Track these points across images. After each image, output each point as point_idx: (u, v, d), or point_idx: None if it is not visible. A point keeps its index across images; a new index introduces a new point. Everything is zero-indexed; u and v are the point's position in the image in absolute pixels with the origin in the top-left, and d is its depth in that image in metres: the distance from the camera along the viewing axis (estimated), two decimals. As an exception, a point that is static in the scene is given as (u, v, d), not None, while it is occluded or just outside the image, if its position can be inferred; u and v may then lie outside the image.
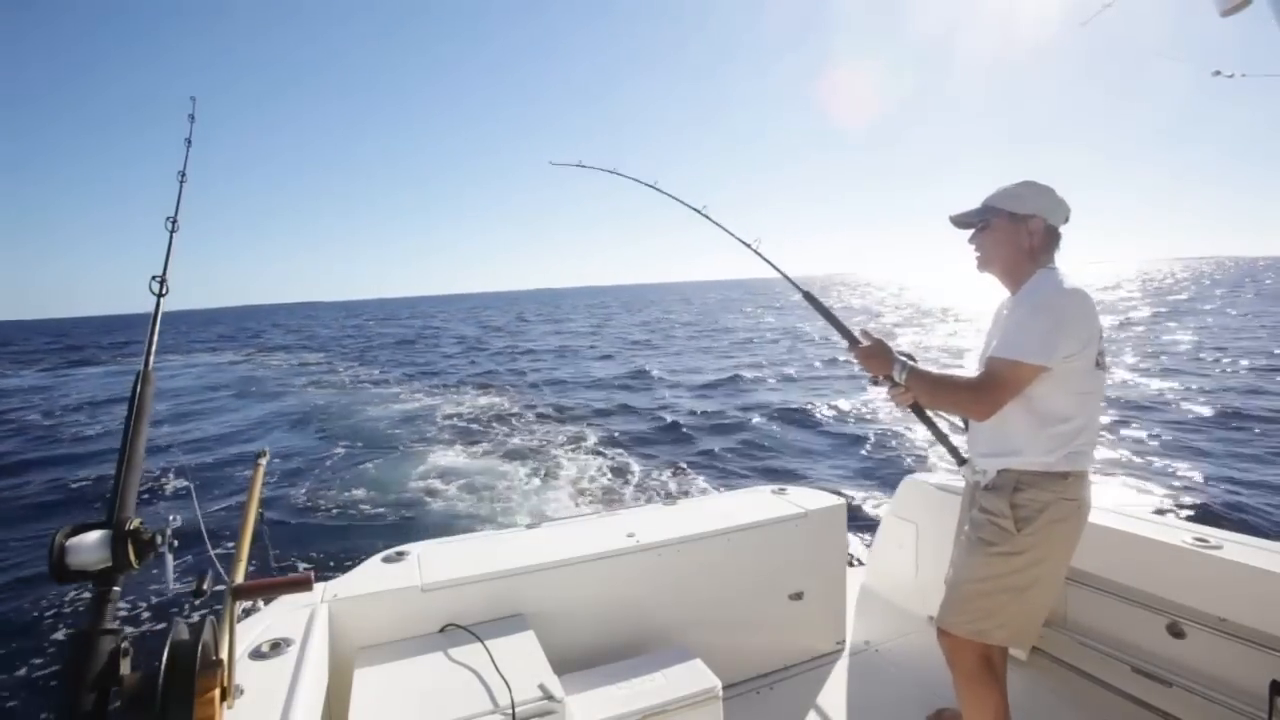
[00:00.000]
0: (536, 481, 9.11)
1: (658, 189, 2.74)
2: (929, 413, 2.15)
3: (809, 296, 2.33)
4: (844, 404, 13.92)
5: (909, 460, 9.87)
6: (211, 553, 1.43)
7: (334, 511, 7.90)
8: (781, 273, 2.46)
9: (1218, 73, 2.45)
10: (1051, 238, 1.92)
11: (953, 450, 2.16)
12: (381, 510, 7.97)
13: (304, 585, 1.41)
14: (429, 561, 2.22)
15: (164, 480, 8.97)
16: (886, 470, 9.38)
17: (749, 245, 2.45)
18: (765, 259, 2.44)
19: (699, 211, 2.61)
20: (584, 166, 2.98)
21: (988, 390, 1.82)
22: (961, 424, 2.17)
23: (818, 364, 20.47)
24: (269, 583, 1.43)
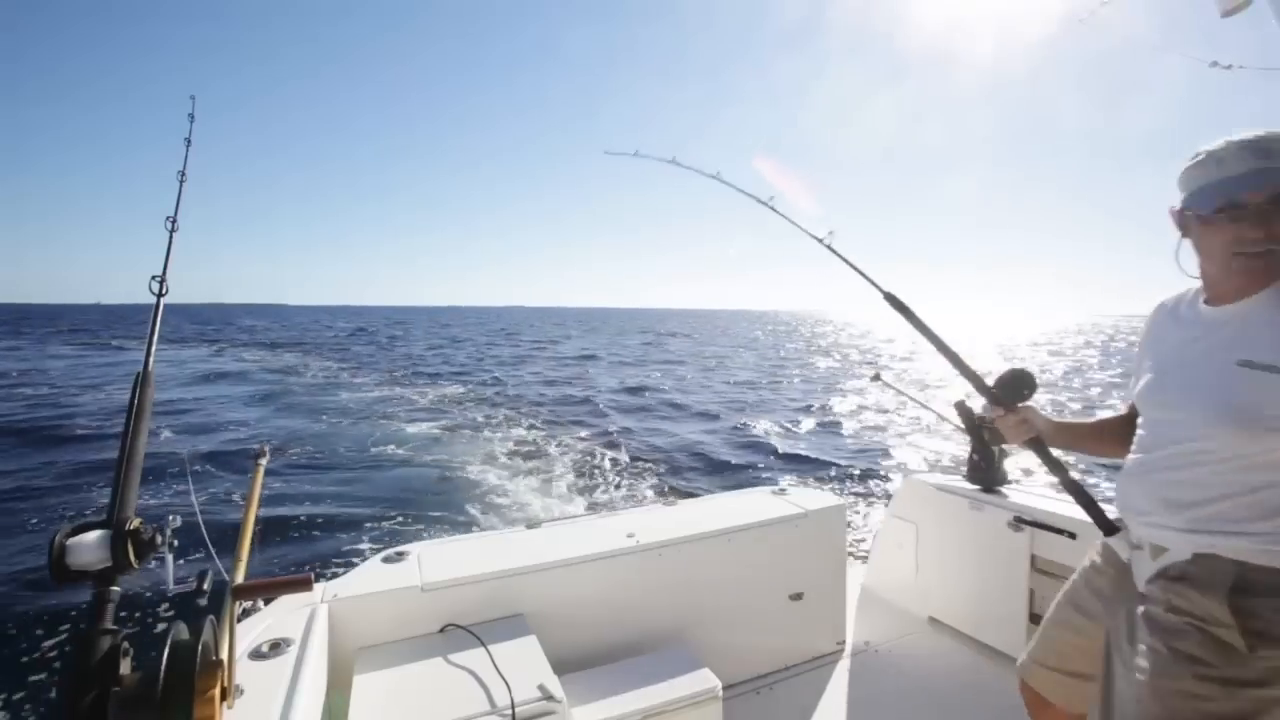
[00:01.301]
0: (535, 481, 9.11)
1: (720, 180, 2.53)
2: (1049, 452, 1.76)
3: (891, 298, 2.00)
4: (843, 405, 13.92)
5: (908, 460, 9.87)
6: (213, 552, 1.43)
7: (334, 511, 7.89)
8: (861, 273, 2.10)
9: (1215, 63, 2.46)
10: None
11: (1090, 506, 1.63)
12: (381, 510, 7.97)
13: (304, 585, 1.41)
14: (429, 561, 2.22)
15: (163, 479, 8.97)
16: (886, 470, 9.38)
17: (820, 240, 2.16)
18: (841, 256, 2.13)
19: (765, 204, 2.38)
20: (640, 156, 2.80)
21: None
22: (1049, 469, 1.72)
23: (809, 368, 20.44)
24: (269, 583, 1.43)
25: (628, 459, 10.30)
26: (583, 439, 11.73)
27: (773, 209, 2.34)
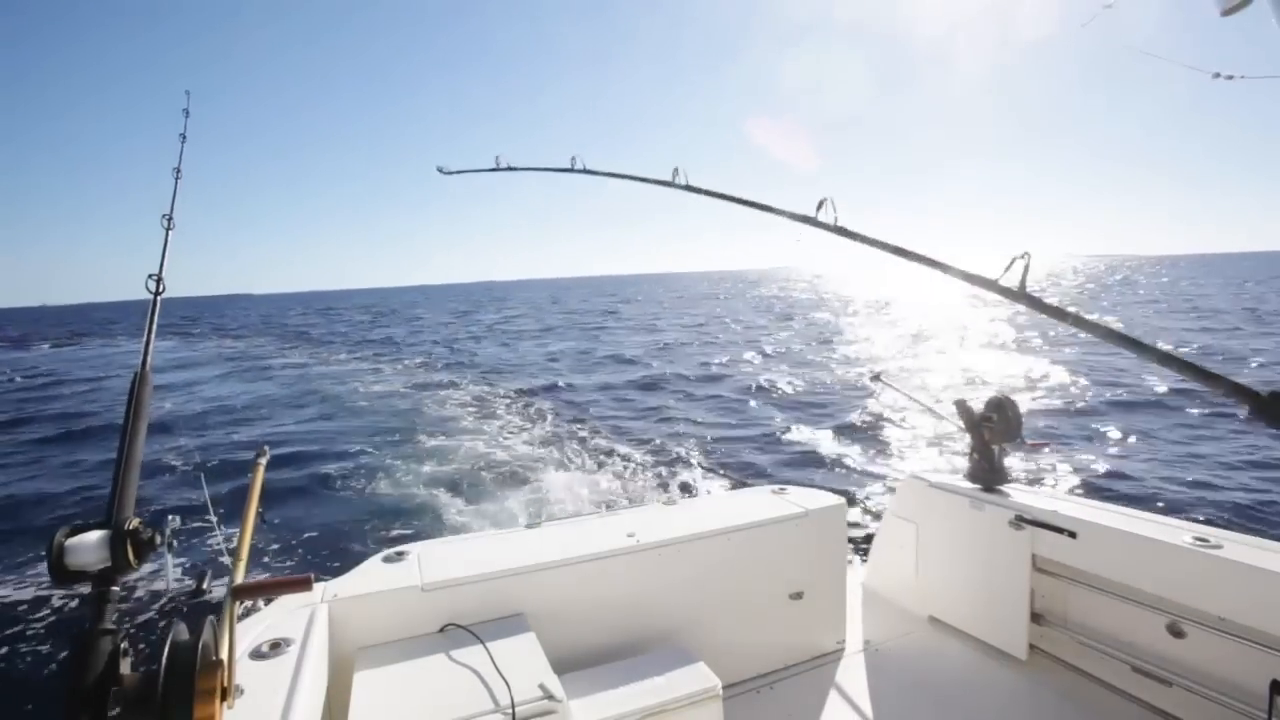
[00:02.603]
0: (534, 479, 9.11)
1: (682, 185, 2.17)
2: None
3: (1066, 313, 1.09)
4: (843, 404, 13.94)
5: (909, 460, 9.87)
6: (224, 548, 1.43)
7: (334, 511, 7.90)
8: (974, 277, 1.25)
9: (1218, 75, 2.45)
10: None
11: None
12: (381, 510, 7.97)
13: (304, 585, 1.41)
14: (429, 561, 2.22)
15: (164, 479, 8.98)
16: (886, 470, 9.38)
17: (815, 221, 1.59)
18: (853, 233, 1.47)
19: (757, 204, 1.89)
20: (568, 170, 2.50)
21: None
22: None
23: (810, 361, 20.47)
24: (269, 582, 1.43)
25: (629, 456, 10.30)
26: (581, 432, 11.74)
27: (751, 203, 1.96)
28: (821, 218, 1.57)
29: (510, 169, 2.73)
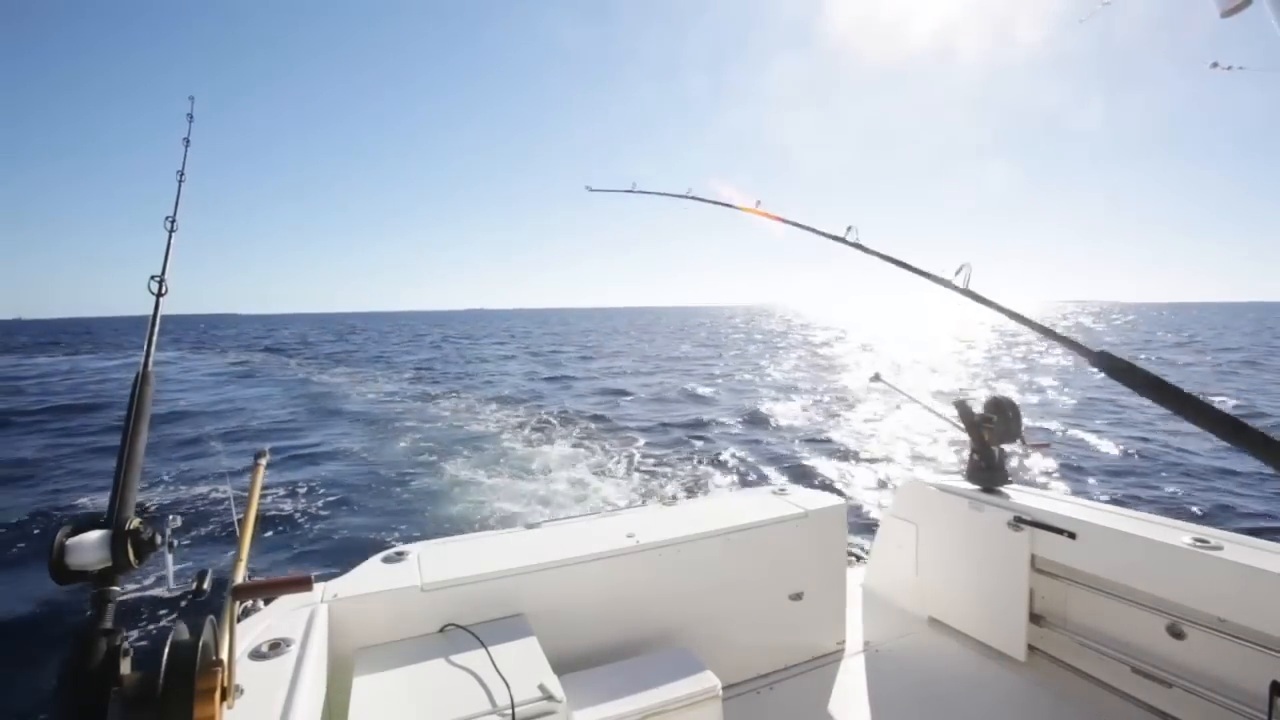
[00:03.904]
0: (533, 481, 9.11)
1: (752, 209, 2.40)
2: None
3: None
4: (843, 405, 13.92)
5: (909, 461, 9.87)
6: (225, 548, 1.44)
7: (334, 511, 7.90)
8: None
9: (1215, 64, 2.46)
10: None
11: None
12: (381, 510, 7.97)
13: (304, 585, 1.41)
14: (429, 561, 2.22)
15: (166, 480, 8.98)
16: (886, 470, 9.38)
17: (840, 239, 1.83)
18: (974, 292, 1.41)
19: (793, 222, 2.13)
20: (638, 192, 3.04)
21: None
22: None
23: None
24: (269, 582, 1.43)
25: (629, 456, 10.30)
26: (580, 435, 11.75)
27: (794, 224, 2.16)
28: (849, 238, 1.88)
29: (643, 192, 3.15)
